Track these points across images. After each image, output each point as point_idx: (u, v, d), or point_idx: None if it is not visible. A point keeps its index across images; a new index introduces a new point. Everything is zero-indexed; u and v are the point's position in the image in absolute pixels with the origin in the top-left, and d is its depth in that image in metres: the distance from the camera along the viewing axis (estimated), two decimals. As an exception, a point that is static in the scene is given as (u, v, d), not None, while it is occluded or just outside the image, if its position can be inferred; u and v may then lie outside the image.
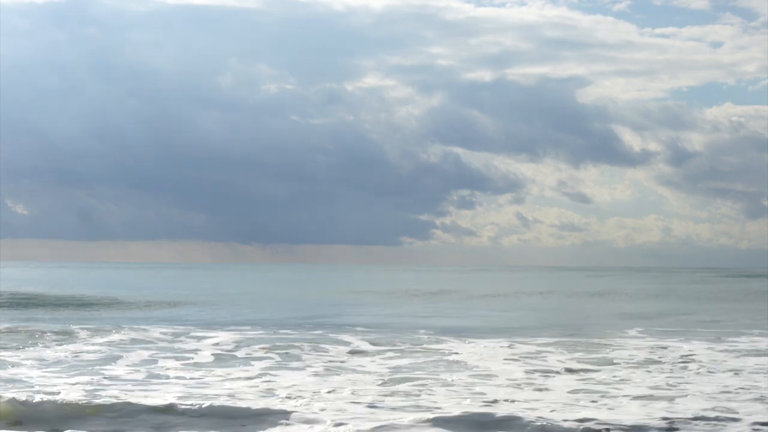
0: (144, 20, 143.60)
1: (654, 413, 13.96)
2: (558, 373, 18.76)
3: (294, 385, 16.71)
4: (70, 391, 15.48)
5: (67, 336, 26.02)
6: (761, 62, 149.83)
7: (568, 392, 16.19)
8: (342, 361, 20.56)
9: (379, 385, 16.81)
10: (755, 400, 15.38)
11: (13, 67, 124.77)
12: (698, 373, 18.78)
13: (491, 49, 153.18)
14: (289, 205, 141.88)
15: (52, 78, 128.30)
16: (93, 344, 23.79)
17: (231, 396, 15.31)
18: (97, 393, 15.25)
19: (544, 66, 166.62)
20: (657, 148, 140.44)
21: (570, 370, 19.04)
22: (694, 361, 20.81)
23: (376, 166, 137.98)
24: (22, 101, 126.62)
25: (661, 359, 21.13)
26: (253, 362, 20.21)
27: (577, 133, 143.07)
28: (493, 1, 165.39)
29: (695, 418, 13.55)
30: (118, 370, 18.70)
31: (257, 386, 16.57)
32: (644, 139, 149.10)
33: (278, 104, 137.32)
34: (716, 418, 13.61)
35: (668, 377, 18.17)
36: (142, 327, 29.15)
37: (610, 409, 14.44)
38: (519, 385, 17.02)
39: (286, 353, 21.85)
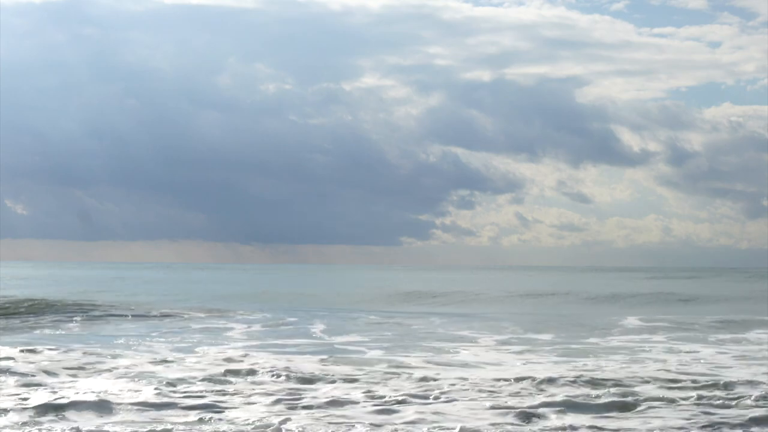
0: (142, 20, 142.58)
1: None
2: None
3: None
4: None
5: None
6: (760, 62, 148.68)
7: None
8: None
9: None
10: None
11: (12, 67, 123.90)
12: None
13: (489, 48, 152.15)
14: (288, 205, 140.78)
15: (50, 78, 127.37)
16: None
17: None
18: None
19: (543, 66, 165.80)
20: (656, 148, 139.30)
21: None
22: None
23: (375, 166, 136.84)
24: (20, 101, 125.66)
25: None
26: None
27: (576, 133, 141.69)
28: (491, 1, 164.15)
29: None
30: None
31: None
32: (643, 139, 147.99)
33: (276, 104, 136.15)
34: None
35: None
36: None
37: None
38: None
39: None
